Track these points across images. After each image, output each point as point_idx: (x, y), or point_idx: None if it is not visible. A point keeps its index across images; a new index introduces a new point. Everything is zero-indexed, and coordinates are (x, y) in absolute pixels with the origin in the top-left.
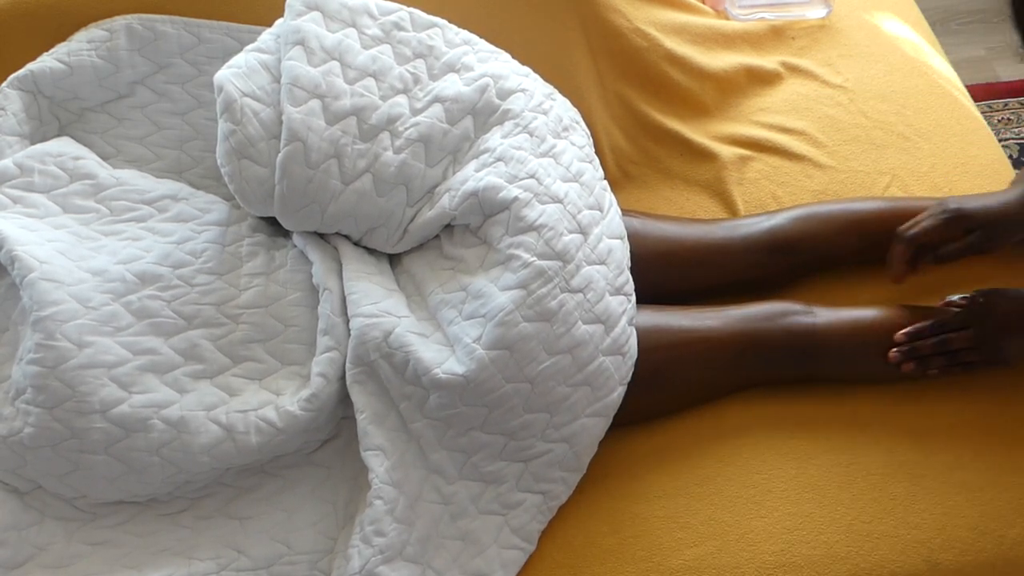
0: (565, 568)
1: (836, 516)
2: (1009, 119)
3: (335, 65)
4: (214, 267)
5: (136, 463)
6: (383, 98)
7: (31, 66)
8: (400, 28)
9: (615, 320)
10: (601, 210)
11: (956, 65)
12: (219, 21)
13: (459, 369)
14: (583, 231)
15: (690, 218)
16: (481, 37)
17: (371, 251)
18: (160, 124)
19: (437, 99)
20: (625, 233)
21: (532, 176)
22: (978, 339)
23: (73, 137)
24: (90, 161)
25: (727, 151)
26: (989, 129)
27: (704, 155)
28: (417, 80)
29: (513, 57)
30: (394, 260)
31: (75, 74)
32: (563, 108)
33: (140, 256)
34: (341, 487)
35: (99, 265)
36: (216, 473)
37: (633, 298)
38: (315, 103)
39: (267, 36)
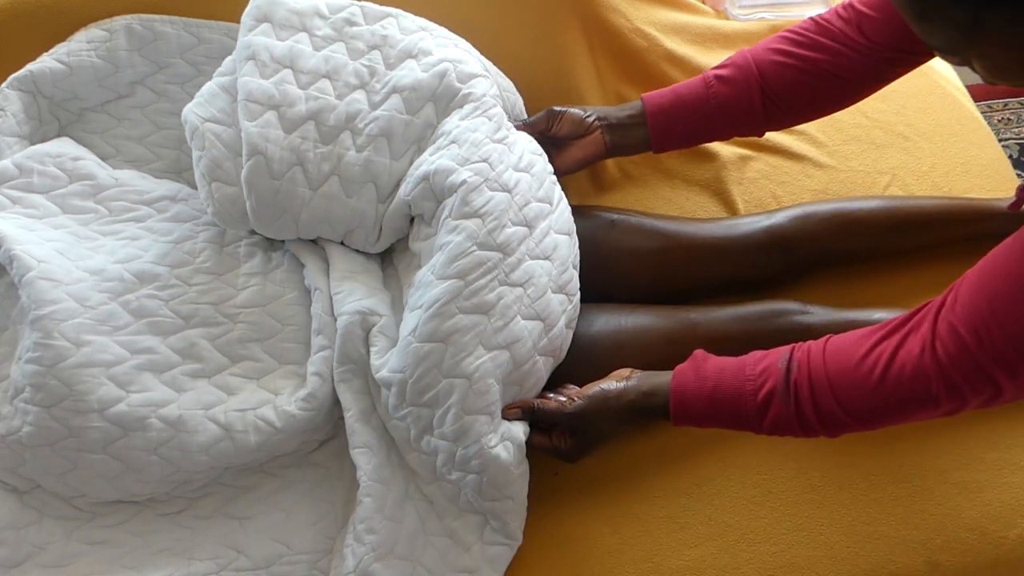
0: (565, 568)
1: (836, 516)
2: (1009, 119)
3: (287, 73)
4: (212, 267)
5: (134, 462)
6: (339, 97)
7: (31, 66)
8: (352, 23)
9: (555, 319)
10: (550, 203)
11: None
12: (219, 21)
13: (397, 364)
14: (528, 224)
15: (689, 217)
16: (481, 38)
17: (360, 251)
18: (159, 124)
19: (395, 90)
20: (574, 229)
21: (485, 160)
22: None
23: (73, 137)
24: (89, 162)
25: (727, 150)
26: (989, 129)
27: (704, 155)
28: (373, 72)
29: (514, 57)
30: (386, 262)
31: (75, 74)
32: (518, 106)
33: (138, 255)
34: (339, 487)
35: (97, 264)
36: (215, 472)
37: (576, 298)
38: (271, 114)
39: (228, 59)
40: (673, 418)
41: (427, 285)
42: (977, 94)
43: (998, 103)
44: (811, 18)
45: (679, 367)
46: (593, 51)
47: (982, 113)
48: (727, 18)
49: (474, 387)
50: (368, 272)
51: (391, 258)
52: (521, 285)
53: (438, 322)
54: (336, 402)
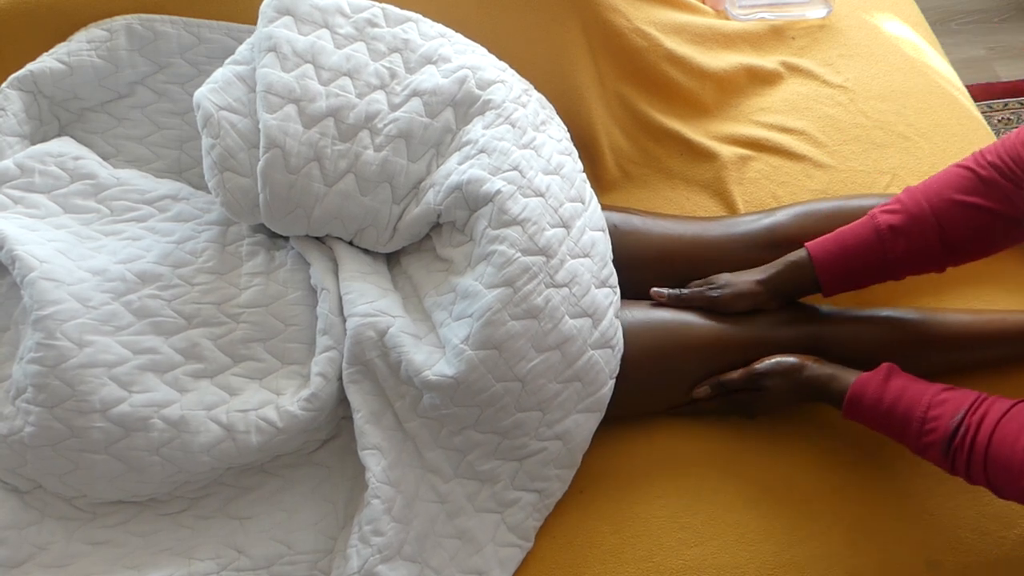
0: (565, 568)
1: (836, 516)
2: (1009, 119)
3: (309, 68)
4: (214, 266)
5: (136, 462)
6: (360, 96)
7: (31, 66)
8: (374, 24)
9: (602, 313)
10: (583, 202)
11: (956, 65)
12: (219, 21)
13: (449, 371)
14: (566, 224)
15: (690, 216)
16: (481, 38)
17: (368, 251)
18: (160, 124)
19: (415, 93)
20: (606, 225)
21: (515, 168)
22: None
23: (73, 137)
24: (90, 161)
25: (727, 151)
26: (989, 129)
27: (704, 155)
28: (394, 75)
29: (514, 57)
30: (392, 262)
31: (75, 74)
32: (539, 103)
33: (140, 255)
34: (341, 487)
35: (99, 264)
36: (216, 473)
37: (618, 290)
38: (291, 108)
39: (243, 47)
40: (844, 411)
41: (475, 295)
42: (977, 94)
43: (998, 103)
44: (988, 156)
45: (863, 375)
46: (593, 51)
47: (982, 113)
48: (727, 18)
49: (527, 388)
50: (378, 273)
51: (397, 258)
52: (566, 285)
53: (491, 330)
54: (339, 402)
